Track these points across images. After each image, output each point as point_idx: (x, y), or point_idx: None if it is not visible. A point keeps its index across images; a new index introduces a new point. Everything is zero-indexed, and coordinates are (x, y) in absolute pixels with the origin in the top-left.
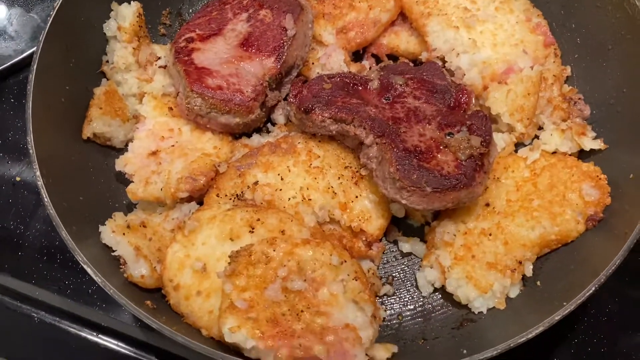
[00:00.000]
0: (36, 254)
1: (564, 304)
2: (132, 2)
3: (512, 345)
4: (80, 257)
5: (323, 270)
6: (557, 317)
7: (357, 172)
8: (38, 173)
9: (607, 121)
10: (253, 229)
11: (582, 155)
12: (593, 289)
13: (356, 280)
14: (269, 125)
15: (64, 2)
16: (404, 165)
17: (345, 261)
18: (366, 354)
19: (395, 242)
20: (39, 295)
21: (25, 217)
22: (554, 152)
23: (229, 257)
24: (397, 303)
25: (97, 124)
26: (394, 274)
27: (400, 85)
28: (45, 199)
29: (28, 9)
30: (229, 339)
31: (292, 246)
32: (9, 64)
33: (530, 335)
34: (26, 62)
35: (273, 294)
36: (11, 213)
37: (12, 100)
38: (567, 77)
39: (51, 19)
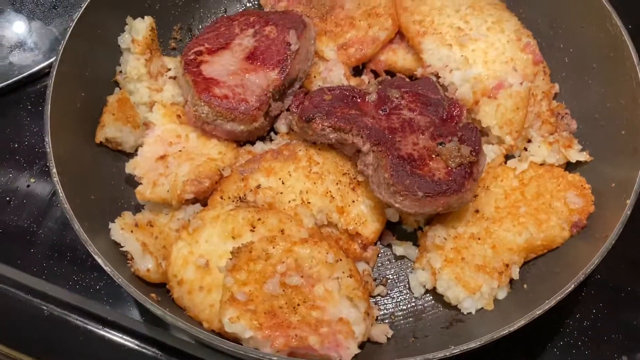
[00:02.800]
0: (47, 251)
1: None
2: (145, 17)
3: (495, 337)
4: (91, 248)
5: (319, 267)
6: (538, 311)
7: (354, 178)
8: (54, 170)
9: (592, 134)
10: (254, 228)
11: (569, 166)
12: (572, 286)
13: (350, 277)
14: (272, 134)
15: (82, 16)
16: (398, 171)
17: (341, 260)
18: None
19: (390, 246)
20: (49, 290)
21: (38, 217)
22: (542, 164)
23: (231, 253)
24: (390, 303)
25: (110, 129)
26: (387, 276)
27: (397, 98)
28: (61, 194)
29: (47, 22)
30: (228, 328)
31: (291, 244)
32: (27, 73)
33: (512, 329)
34: (44, 72)
35: (271, 288)
36: (25, 213)
37: (29, 107)
38: (556, 93)
39: (70, 32)
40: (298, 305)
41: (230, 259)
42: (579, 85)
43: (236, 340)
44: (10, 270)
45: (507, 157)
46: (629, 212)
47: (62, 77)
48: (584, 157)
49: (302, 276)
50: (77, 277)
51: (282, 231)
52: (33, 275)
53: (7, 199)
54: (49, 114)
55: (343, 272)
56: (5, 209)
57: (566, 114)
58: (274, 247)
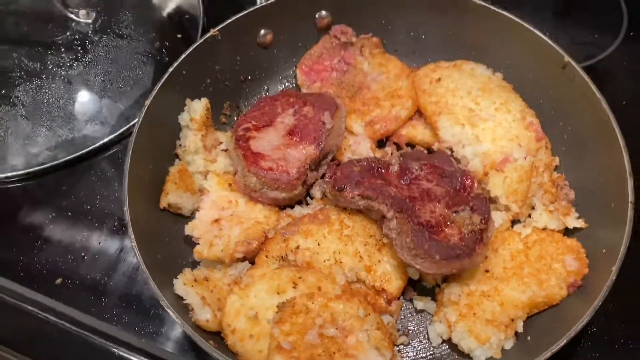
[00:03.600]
0: (117, 301)
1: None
2: (202, 98)
3: None
4: (164, 302)
5: (352, 321)
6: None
7: (380, 240)
8: (132, 235)
9: (587, 204)
10: (296, 285)
11: (567, 232)
12: (564, 341)
13: (378, 330)
14: (308, 198)
15: (151, 104)
16: (418, 237)
17: (369, 314)
18: None
19: (411, 300)
20: (119, 335)
21: (108, 271)
22: (544, 229)
23: (277, 307)
24: (411, 352)
25: (172, 196)
26: (409, 327)
27: (416, 169)
28: (138, 255)
29: (115, 100)
30: None
31: (327, 300)
32: (99, 144)
33: None
34: (112, 142)
35: (311, 339)
36: (97, 267)
37: (99, 174)
38: (556, 166)
39: (142, 116)
40: (334, 353)
41: (277, 312)
42: (577, 159)
43: None
44: (86, 317)
45: (513, 222)
46: (614, 278)
47: (136, 153)
48: (580, 224)
49: (336, 328)
50: (142, 323)
51: (319, 288)
52: (105, 321)
53: (82, 254)
54: (127, 184)
55: (371, 325)
56: (80, 264)
57: (565, 184)
58: (313, 303)
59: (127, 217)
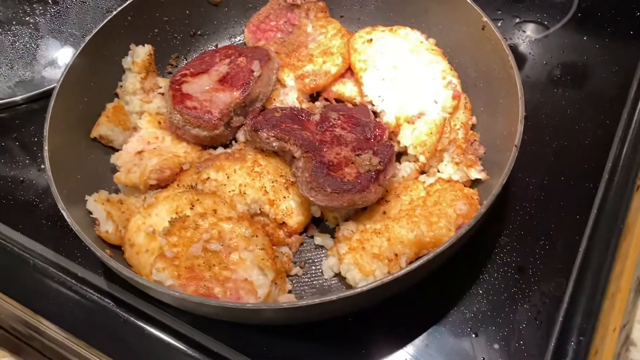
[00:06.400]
0: (44, 219)
1: None
2: (146, 45)
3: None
4: (65, 213)
5: (238, 240)
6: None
7: (288, 180)
8: (46, 149)
9: (493, 157)
10: (193, 206)
11: (473, 185)
12: (422, 261)
13: (262, 250)
14: (233, 142)
15: (91, 39)
16: (316, 172)
17: (257, 236)
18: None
19: (313, 237)
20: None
21: (41, 194)
22: (449, 180)
23: (169, 222)
24: (303, 283)
25: (103, 128)
26: (306, 260)
27: (334, 119)
28: (49, 173)
29: (75, 48)
30: (155, 276)
31: (218, 220)
32: (53, 85)
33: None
34: None
35: (194, 251)
36: (31, 191)
37: None
38: (473, 124)
39: (80, 49)
40: (213, 265)
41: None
42: (490, 117)
43: None
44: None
45: (423, 174)
46: (482, 211)
47: (69, 83)
48: (482, 176)
49: (222, 245)
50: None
51: (215, 211)
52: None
53: (21, 179)
54: (51, 108)
55: (256, 246)
56: (18, 187)
57: (475, 140)
58: (203, 220)
59: (45, 133)
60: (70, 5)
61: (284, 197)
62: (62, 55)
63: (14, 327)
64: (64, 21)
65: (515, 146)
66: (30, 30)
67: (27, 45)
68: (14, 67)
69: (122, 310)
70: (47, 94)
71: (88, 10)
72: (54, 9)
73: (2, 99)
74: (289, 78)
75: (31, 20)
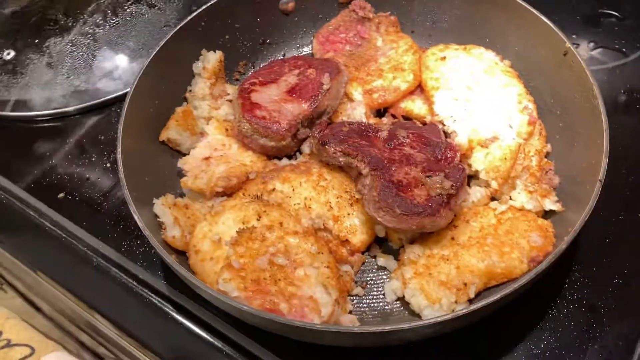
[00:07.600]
0: (108, 218)
1: None
2: (217, 51)
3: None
4: (136, 216)
5: (303, 255)
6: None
7: (353, 196)
8: (119, 151)
9: (568, 189)
10: (260, 217)
11: (545, 215)
12: (498, 296)
13: (327, 268)
14: (298, 154)
15: (164, 45)
16: (385, 192)
17: (322, 253)
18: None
19: (375, 257)
20: (100, 247)
21: (106, 193)
22: (521, 209)
23: (237, 232)
24: (365, 303)
25: (172, 131)
26: (368, 281)
27: (403, 137)
28: (121, 174)
29: (131, 60)
30: (221, 287)
31: (284, 234)
32: (112, 96)
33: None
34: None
35: (261, 263)
36: (96, 189)
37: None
38: (548, 152)
39: (154, 52)
40: (279, 280)
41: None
42: (567, 147)
43: None
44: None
45: (494, 200)
46: (563, 247)
47: (143, 87)
48: (557, 207)
49: (287, 259)
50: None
51: (281, 223)
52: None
53: (87, 176)
54: (125, 111)
55: (322, 263)
56: (84, 183)
57: (549, 169)
58: (270, 233)
59: (119, 134)
60: (130, 18)
61: (348, 214)
62: (118, 67)
63: (70, 321)
64: (121, 33)
65: (600, 181)
66: (88, 41)
67: (85, 56)
68: (70, 77)
69: (180, 315)
70: (100, 106)
71: (147, 24)
72: (113, 20)
73: (57, 108)
74: (356, 92)
75: (90, 31)
